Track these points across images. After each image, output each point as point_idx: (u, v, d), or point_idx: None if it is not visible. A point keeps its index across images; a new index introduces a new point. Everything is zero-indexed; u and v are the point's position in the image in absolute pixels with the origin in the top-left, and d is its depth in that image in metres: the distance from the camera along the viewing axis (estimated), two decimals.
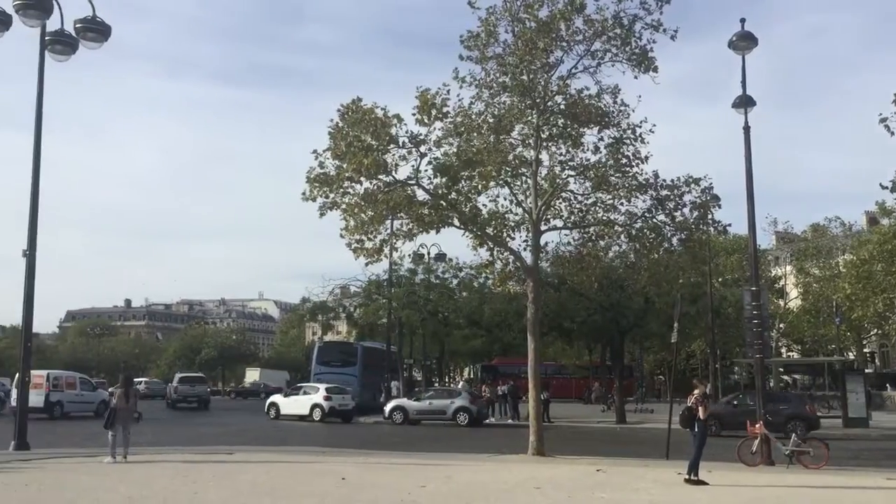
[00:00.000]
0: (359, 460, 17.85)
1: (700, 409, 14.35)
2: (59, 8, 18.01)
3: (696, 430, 14.46)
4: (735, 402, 31.00)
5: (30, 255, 18.43)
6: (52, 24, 18.11)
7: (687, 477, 14.08)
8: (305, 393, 37.21)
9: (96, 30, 18.13)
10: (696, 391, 14.70)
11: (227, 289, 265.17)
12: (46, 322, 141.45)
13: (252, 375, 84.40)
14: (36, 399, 28.97)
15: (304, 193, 18.87)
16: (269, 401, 39.22)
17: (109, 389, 32.90)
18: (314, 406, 35.64)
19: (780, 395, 31.38)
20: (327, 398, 35.65)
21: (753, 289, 20.28)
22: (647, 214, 19.58)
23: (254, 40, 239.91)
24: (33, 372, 30.82)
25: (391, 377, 42.08)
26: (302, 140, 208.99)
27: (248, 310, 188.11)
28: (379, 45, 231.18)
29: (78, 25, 18.07)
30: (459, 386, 40.85)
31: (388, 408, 35.29)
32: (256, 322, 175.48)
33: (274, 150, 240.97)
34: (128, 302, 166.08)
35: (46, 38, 18.16)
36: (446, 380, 61.48)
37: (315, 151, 18.76)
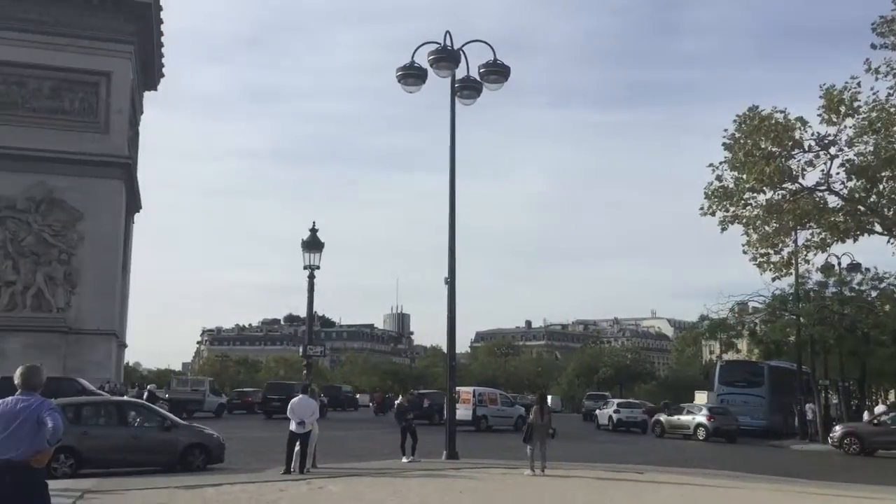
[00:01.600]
0: (770, 486, 16.71)
1: None
2: (465, 57, 19.88)
3: None
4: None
5: (450, 282, 20.37)
6: (458, 72, 20.00)
7: None
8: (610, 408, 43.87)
9: (498, 72, 19.62)
10: None
11: (619, 308, 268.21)
12: (459, 342, 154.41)
13: (700, 398, 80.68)
14: (464, 413, 32.13)
15: (701, 208, 18.45)
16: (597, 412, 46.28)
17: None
18: (609, 417, 41.73)
19: None
20: (616, 411, 41.82)
21: None
22: None
23: (631, 60, 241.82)
24: (461, 388, 34.33)
25: (804, 400, 38.86)
26: (689, 154, 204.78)
27: (640, 329, 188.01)
28: (767, 46, 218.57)
29: (482, 70, 19.72)
30: (877, 410, 36.53)
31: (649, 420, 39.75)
32: (650, 341, 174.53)
33: (660, 167, 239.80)
34: (528, 323, 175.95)
35: (456, 85, 20.10)
36: (868, 403, 55.10)
37: (711, 165, 18.26)
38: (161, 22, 49.96)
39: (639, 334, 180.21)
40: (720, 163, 18.20)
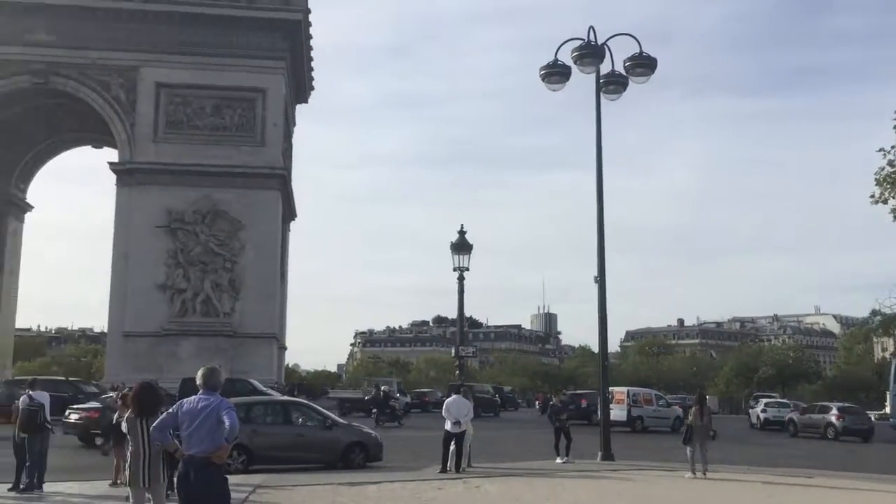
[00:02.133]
0: None
1: None
2: (610, 52, 19.50)
3: None
4: None
5: (600, 281, 20.08)
6: (602, 67, 19.65)
7: None
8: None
9: (644, 65, 19.17)
10: None
11: (779, 304, 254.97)
12: (609, 341, 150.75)
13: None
14: (618, 413, 31.76)
15: (872, 196, 17.27)
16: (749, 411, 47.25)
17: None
18: (757, 416, 42.88)
19: None
20: (763, 410, 42.49)
21: None
22: None
23: (781, 43, 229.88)
24: (615, 389, 33.97)
25: None
26: (853, 139, 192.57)
27: (803, 325, 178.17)
28: None
29: (627, 64, 19.30)
30: None
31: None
32: (814, 338, 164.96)
33: (819, 154, 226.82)
34: (680, 321, 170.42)
35: (601, 80, 19.76)
36: None
37: (882, 150, 17.07)
38: (310, 38, 52.08)
39: (801, 331, 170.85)
40: (892, 146, 16.93)
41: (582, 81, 19.75)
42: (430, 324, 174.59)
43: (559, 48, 19.27)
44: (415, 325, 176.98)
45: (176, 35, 46.39)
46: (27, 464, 13.28)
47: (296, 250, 68.19)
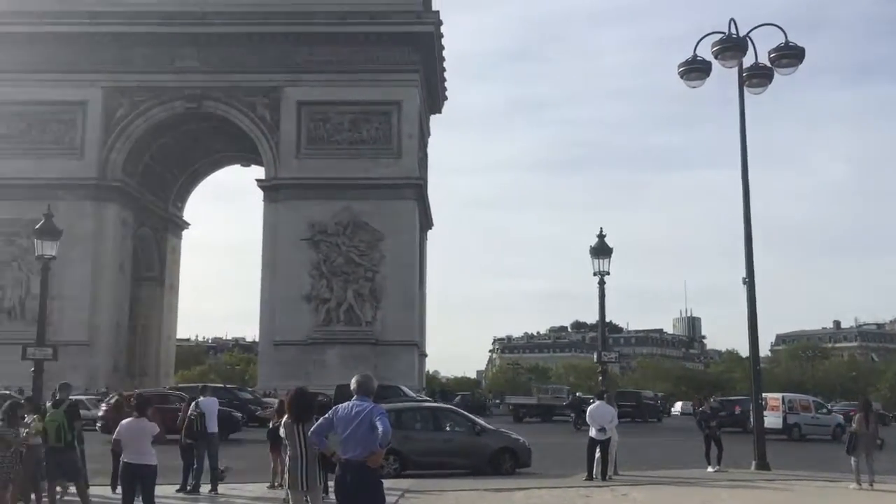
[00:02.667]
0: None
1: None
2: (752, 44, 18.72)
3: None
4: None
5: (749, 282, 19.25)
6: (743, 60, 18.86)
7: None
8: None
9: (790, 55, 18.22)
10: None
11: None
12: (759, 345, 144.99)
13: None
14: (773, 421, 30.39)
15: None
16: None
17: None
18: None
19: None
20: None
21: None
22: None
23: None
24: (769, 395, 32.57)
25: None
26: None
27: None
28: None
29: (772, 55, 18.40)
30: None
31: None
32: None
33: None
34: (836, 323, 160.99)
35: (744, 74, 18.99)
36: None
37: None
38: (442, 48, 52.89)
39: None
40: None
41: (718, 75, 19.10)
42: (569, 329, 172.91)
43: (698, 43, 18.63)
44: (553, 330, 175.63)
45: (314, 54, 48.27)
46: (194, 467, 14.14)
47: (433, 258, 69.01)
